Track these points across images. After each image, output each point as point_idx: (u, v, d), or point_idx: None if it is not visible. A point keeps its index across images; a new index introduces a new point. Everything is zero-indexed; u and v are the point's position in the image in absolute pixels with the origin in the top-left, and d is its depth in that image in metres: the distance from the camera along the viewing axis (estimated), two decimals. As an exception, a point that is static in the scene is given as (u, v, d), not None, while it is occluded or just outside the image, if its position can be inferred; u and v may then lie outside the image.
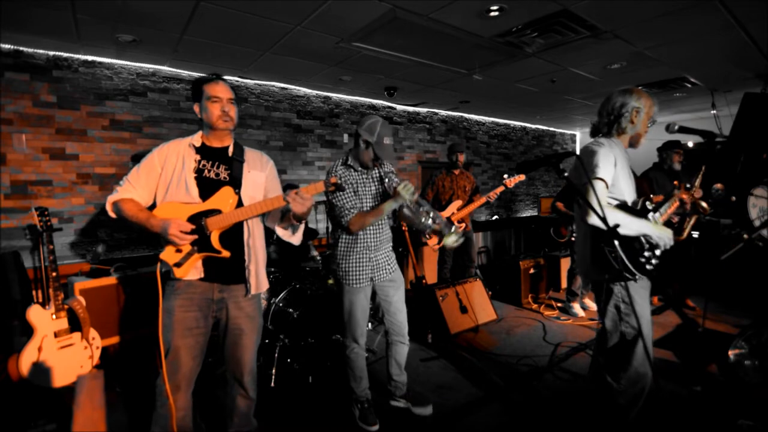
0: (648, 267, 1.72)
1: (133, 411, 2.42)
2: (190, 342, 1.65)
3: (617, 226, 1.47)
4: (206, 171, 1.69)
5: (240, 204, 1.67)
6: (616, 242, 1.69)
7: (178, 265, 1.61)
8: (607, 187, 1.63)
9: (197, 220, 1.60)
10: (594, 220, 1.65)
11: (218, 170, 1.71)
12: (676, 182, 3.75)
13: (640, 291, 1.77)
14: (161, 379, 1.62)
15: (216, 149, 1.74)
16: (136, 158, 3.59)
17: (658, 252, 1.79)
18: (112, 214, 1.67)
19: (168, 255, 1.61)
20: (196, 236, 1.58)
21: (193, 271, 1.64)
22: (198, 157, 1.69)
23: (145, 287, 3.14)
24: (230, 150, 1.76)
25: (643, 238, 1.74)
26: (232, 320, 1.72)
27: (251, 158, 1.80)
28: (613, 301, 1.82)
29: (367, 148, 2.11)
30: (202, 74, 4.11)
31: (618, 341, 1.81)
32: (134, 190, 1.66)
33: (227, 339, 1.75)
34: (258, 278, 1.76)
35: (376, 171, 2.28)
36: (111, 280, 3.08)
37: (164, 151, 1.68)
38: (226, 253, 1.64)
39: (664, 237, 1.74)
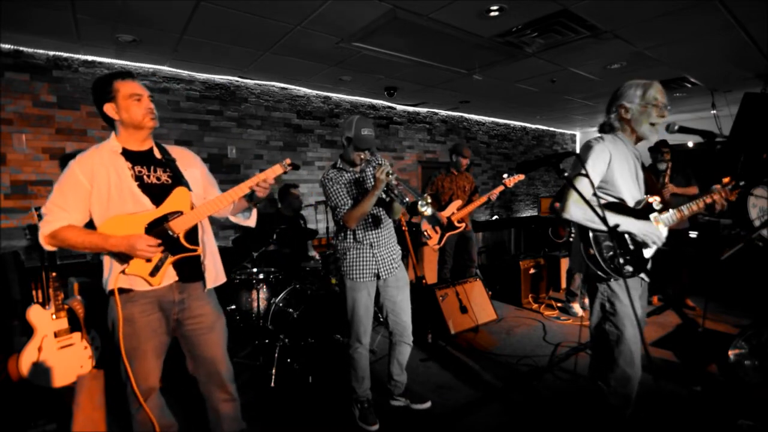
0: (629, 269, 1.69)
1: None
2: (156, 343, 1.63)
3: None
4: (146, 177, 1.61)
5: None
6: (591, 239, 1.70)
7: (153, 273, 1.56)
8: (592, 183, 1.62)
9: (157, 226, 1.56)
10: (566, 214, 1.68)
11: (157, 174, 1.65)
12: (658, 185, 3.76)
13: (627, 290, 1.74)
14: (130, 387, 1.59)
15: (142, 153, 1.66)
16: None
17: (647, 253, 1.77)
18: (50, 247, 1.54)
19: (138, 268, 1.55)
20: (163, 245, 1.55)
21: (166, 277, 1.60)
22: (129, 164, 1.59)
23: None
24: (156, 151, 1.70)
25: (627, 237, 1.73)
26: (198, 319, 1.69)
27: (180, 156, 1.76)
28: (599, 300, 1.81)
29: (349, 144, 2.17)
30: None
31: (604, 341, 1.79)
32: (67, 214, 1.52)
33: (196, 340, 1.70)
34: (216, 272, 1.76)
35: (369, 168, 2.29)
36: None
37: (86, 165, 1.53)
38: (199, 250, 1.66)
39: (650, 235, 1.70)
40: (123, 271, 1.55)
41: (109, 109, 1.57)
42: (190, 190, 1.67)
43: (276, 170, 1.64)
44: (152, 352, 1.62)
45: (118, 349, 1.56)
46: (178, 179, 1.68)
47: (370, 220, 2.24)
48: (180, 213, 1.60)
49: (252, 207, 1.86)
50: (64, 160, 3.24)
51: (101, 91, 1.57)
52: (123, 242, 1.48)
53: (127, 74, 1.60)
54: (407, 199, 2.03)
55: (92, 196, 1.54)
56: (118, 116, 1.58)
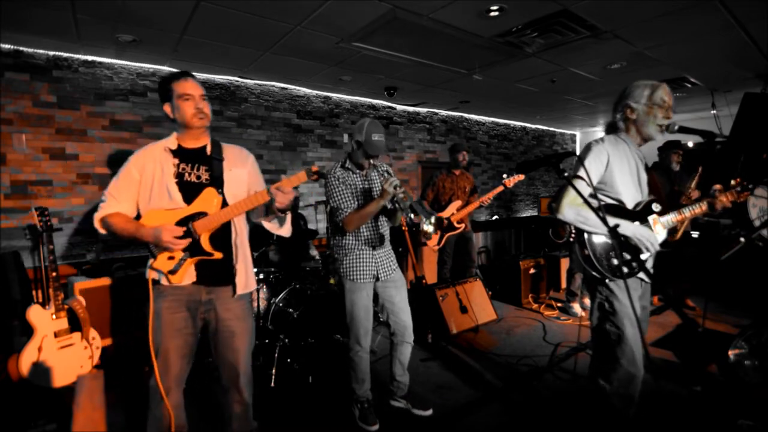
0: (625, 270, 1.69)
1: (133, 411, 2.42)
2: (179, 342, 1.64)
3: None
4: (186, 174, 1.65)
5: (225, 204, 1.65)
6: (586, 239, 1.71)
7: (173, 272, 1.59)
8: (590, 184, 1.62)
9: (184, 224, 1.57)
10: (560, 215, 1.69)
11: (199, 172, 1.67)
12: (676, 187, 3.74)
13: (626, 291, 1.73)
14: (154, 381, 1.62)
15: (193, 150, 1.70)
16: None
17: (644, 256, 1.77)
18: (102, 231, 1.65)
19: (161, 263, 1.60)
20: (189, 240, 1.56)
21: (186, 276, 1.62)
22: (176, 161, 1.66)
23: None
24: (208, 149, 1.72)
25: (623, 239, 1.72)
26: (222, 322, 1.69)
27: (231, 155, 1.76)
28: (597, 300, 1.81)
29: (359, 147, 2.17)
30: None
31: (605, 341, 1.79)
32: (118, 204, 1.64)
33: (219, 342, 1.72)
34: (246, 278, 1.74)
35: (375, 173, 2.30)
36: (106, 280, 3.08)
37: (141, 159, 1.65)
38: (218, 255, 1.63)
39: (644, 240, 1.70)
40: (151, 265, 1.61)
41: (167, 108, 1.67)
42: (220, 191, 1.64)
43: (300, 177, 1.55)
44: (174, 351, 1.63)
45: (147, 342, 1.60)
46: (215, 180, 1.67)
47: (371, 222, 2.24)
48: (204, 214, 1.60)
49: (283, 216, 1.73)
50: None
51: (162, 91, 1.67)
52: (150, 232, 1.55)
53: (182, 75, 1.67)
54: (412, 216, 1.99)
55: (140, 188, 1.64)
56: (173, 115, 1.67)
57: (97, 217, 1.64)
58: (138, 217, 1.66)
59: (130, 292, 3.14)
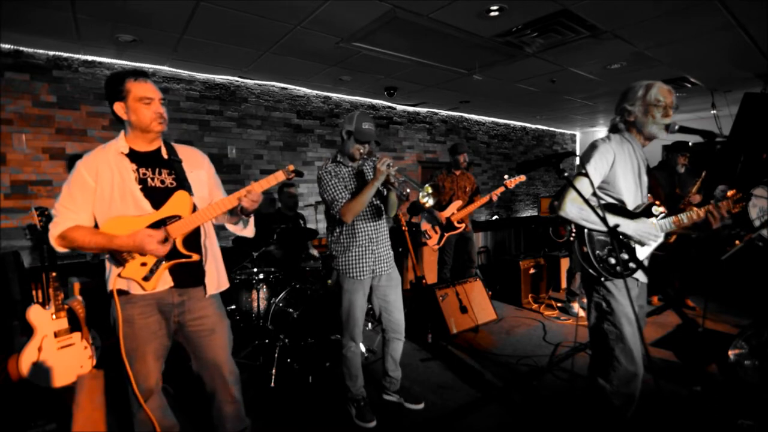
0: (618, 269, 1.69)
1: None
2: (155, 345, 1.62)
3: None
4: (150, 180, 1.60)
5: (194, 206, 1.64)
6: (585, 237, 1.72)
7: (147, 278, 1.54)
8: (592, 183, 1.62)
9: (156, 229, 1.54)
10: (562, 211, 1.70)
11: (161, 176, 1.63)
12: (677, 190, 3.73)
13: (623, 290, 1.73)
14: (131, 388, 1.58)
15: (148, 154, 1.63)
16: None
17: (642, 254, 1.77)
18: (61, 249, 1.53)
19: (132, 271, 1.53)
20: (170, 245, 1.52)
21: (161, 282, 1.58)
22: (134, 166, 1.58)
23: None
24: (163, 152, 1.67)
25: (622, 239, 1.73)
26: (199, 321, 1.67)
27: (187, 156, 1.73)
28: (595, 299, 1.82)
29: (349, 137, 2.19)
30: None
31: (603, 340, 1.80)
32: (75, 215, 1.52)
33: (198, 344, 1.69)
34: (218, 277, 1.73)
35: (367, 165, 2.31)
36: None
37: (92, 165, 1.53)
38: (195, 257, 1.61)
39: (646, 234, 1.71)
40: (119, 274, 1.53)
41: (118, 108, 1.56)
42: (191, 194, 1.64)
43: (278, 176, 1.60)
44: (152, 354, 1.61)
45: (119, 350, 1.55)
46: (182, 182, 1.65)
47: (368, 215, 2.26)
48: (178, 217, 1.58)
49: (247, 219, 1.79)
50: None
51: (113, 89, 1.55)
52: (129, 241, 1.47)
53: (140, 74, 1.57)
54: (408, 191, 2.04)
55: (96, 196, 1.53)
56: (127, 117, 1.56)
57: (53, 234, 1.51)
58: (96, 227, 1.56)
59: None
